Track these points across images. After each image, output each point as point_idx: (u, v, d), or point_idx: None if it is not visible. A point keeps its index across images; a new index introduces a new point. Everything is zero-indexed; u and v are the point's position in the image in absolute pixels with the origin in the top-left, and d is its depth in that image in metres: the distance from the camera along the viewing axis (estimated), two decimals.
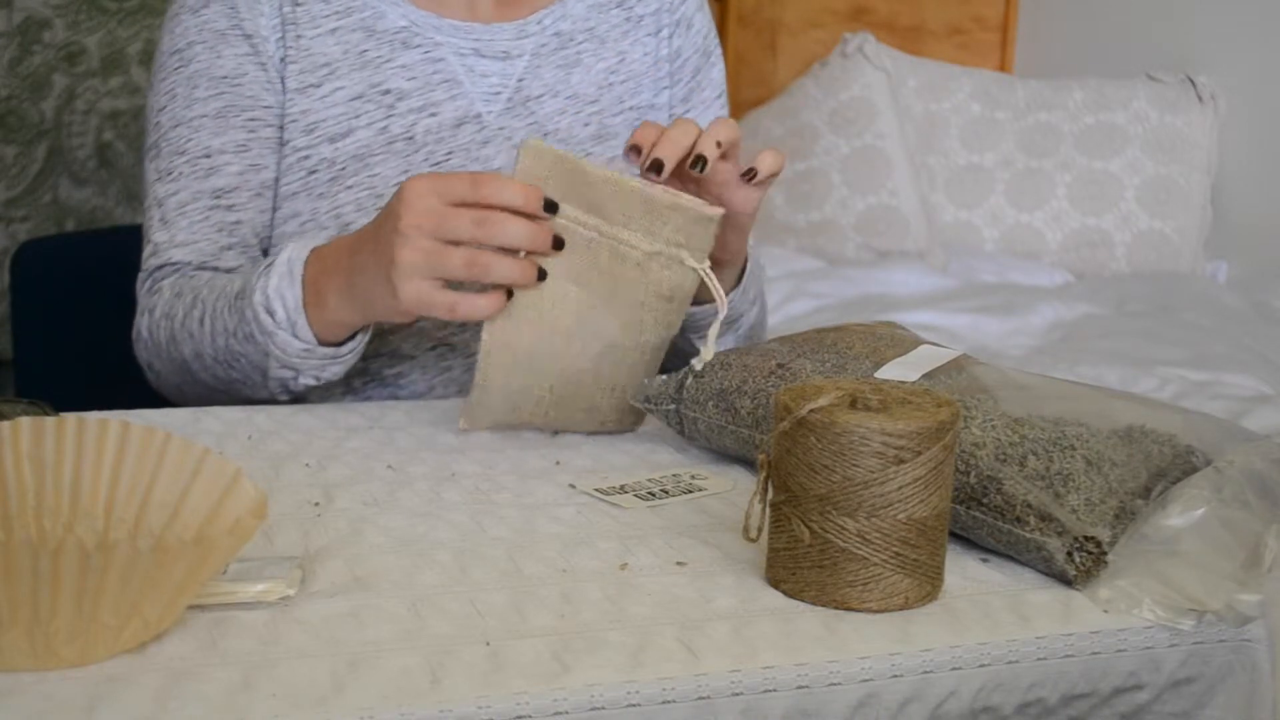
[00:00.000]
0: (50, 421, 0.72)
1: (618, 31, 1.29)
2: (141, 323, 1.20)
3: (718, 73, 1.35)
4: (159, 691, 0.62)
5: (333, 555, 0.79)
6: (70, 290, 1.53)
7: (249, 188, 1.20)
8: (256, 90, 1.19)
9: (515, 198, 0.95)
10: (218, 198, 1.19)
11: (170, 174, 1.20)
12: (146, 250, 1.21)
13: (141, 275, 1.21)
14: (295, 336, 1.05)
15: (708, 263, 0.99)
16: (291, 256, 1.06)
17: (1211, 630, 0.77)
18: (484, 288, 0.98)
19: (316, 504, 0.88)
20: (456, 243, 0.95)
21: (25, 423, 0.72)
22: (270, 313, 1.05)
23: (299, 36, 1.19)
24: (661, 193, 0.97)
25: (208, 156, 1.19)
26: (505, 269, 0.96)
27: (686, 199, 0.97)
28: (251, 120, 1.19)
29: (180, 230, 1.19)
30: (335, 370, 1.09)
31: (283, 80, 1.19)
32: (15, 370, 1.52)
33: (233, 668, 0.65)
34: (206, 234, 1.19)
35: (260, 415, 1.08)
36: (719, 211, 0.98)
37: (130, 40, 2.75)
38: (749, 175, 1.03)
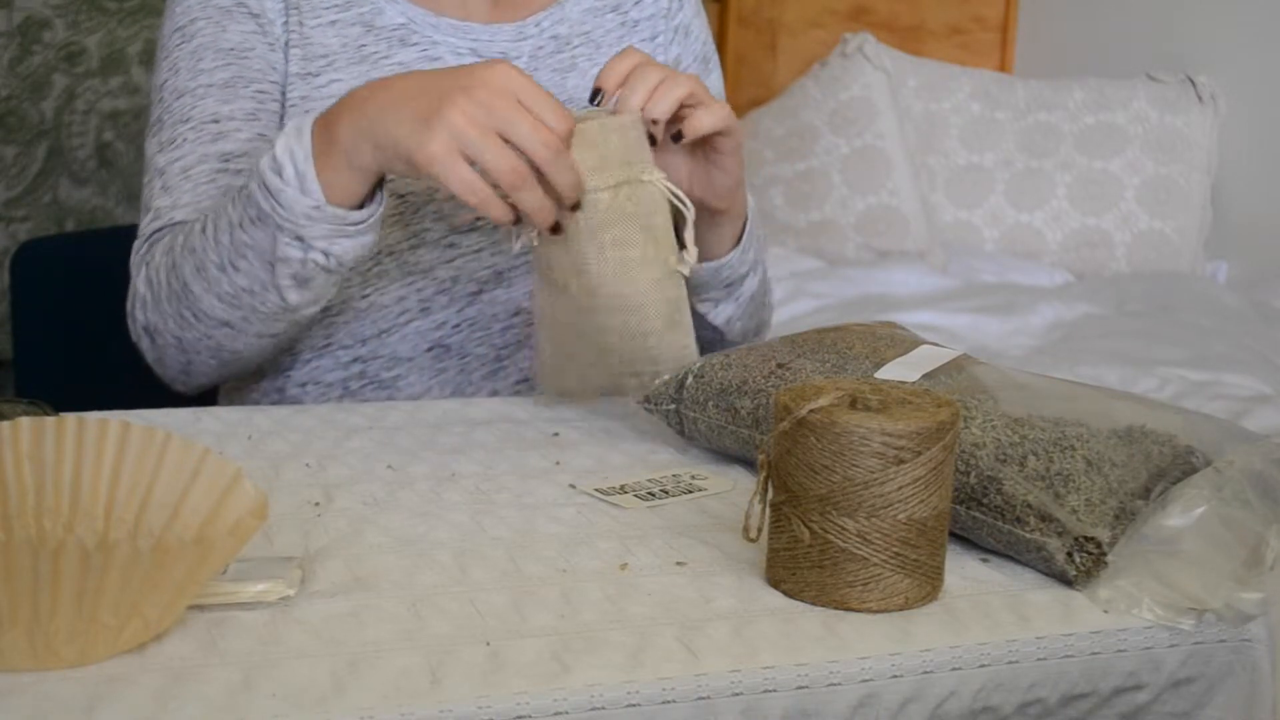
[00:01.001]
0: (50, 421, 0.72)
1: (613, 36, 1.29)
2: (138, 281, 1.15)
3: (716, 79, 1.35)
4: (159, 691, 0.62)
5: (333, 555, 0.79)
6: (70, 290, 1.53)
7: (257, 155, 1.15)
8: (264, 65, 1.17)
9: (564, 125, 0.96)
10: (225, 161, 1.16)
11: (174, 142, 1.17)
12: (146, 219, 1.17)
13: (137, 243, 1.17)
14: (303, 193, 1.00)
15: (660, 173, 1.01)
16: (299, 122, 1.03)
17: (1211, 630, 0.77)
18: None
19: (316, 504, 0.88)
20: (505, 139, 0.94)
21: (25, 423, 0.72)
22: (278, 171, 1.00)
23: (301, 23, 1.18)
24: (584, 123, 1.00)
25: (215, 122, 1.16)
26: (534, 198, 0.96)
27: (602, 116, 1.01)
28: (260, 92, 1.17)
29: (184, 193, 1.15)
30: (345, 246, 1.03)
31: (286, 62, 1.18)
32: (15, 370, 1.52)
33: (233, 668, 0.65)
34: (212, 195, 1.15)
35: (260, 415, 1.08)
36: (632, 115, 1.00)
37: (130, 40, 2.75)
38: (676, 137, 1.04)
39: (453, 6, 1.23)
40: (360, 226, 1.03)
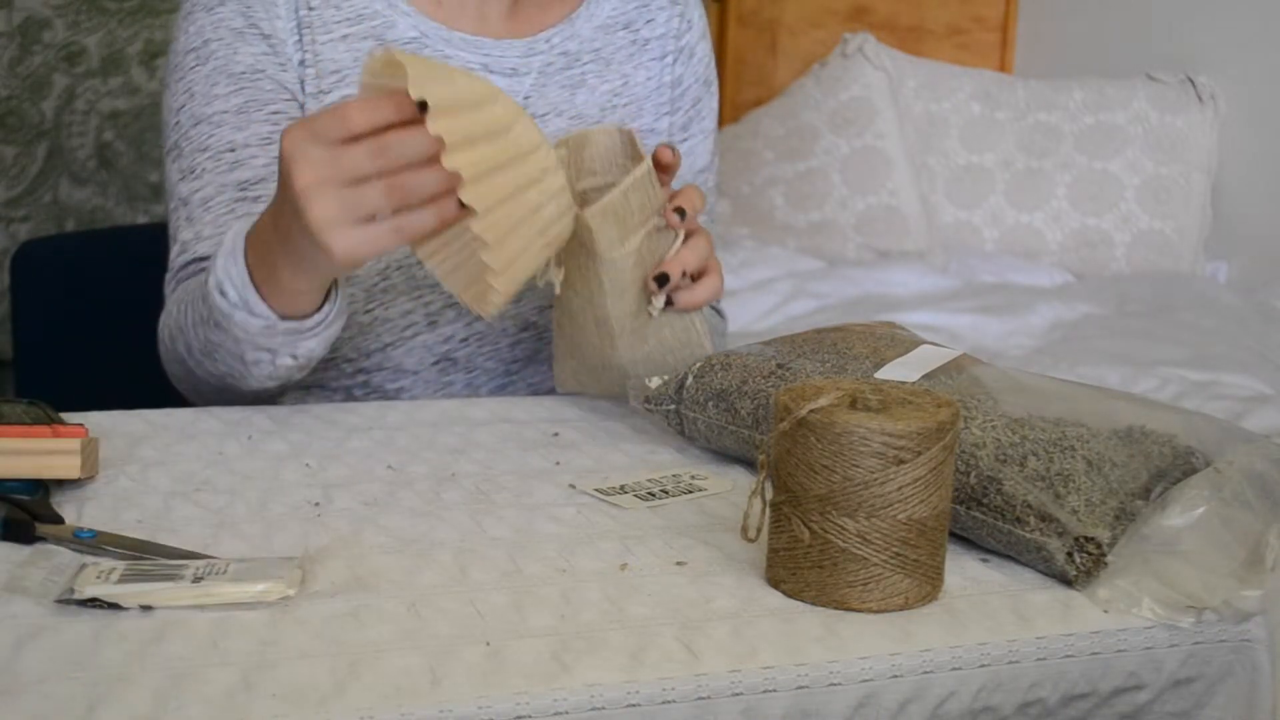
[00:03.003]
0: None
1: (623, 54, 1.29)
2: (161, 326, 1.18)
3: (715, 103, 1.36)
4: (159, 691, 0.62)
5: (333, 555, 0.79)
6: (70, 290, 1.53)
7: (275, 179, 1.15)
8: (276, 86, 1.17)
9: (385, 114, 0.89)
10: (243, 190, 1.16)
11: (193, 172, 1.17)
12: (174, 250, 1.19)
13: (168, 276, 1.19)
14: (251, 314, 1.00)
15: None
16: (235, 232, 1.01)
17: (1211, 630, 0.77)
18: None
19: (316, 504, 0.88)
20: (362, 179, 0.90)
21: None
22: (223, 294, 1.01)
23: (314, 40, 1.18)
24: (608, 197, 1.00)
25: (232, 150, 1.17)
26: (426, 180, 0.90)
27: (620, 175, 1.03)
28: (274, 114, 1.17)
29: (206, 225, 1.16)
30: (310, 346, 1.04)
31: (302, 83, 1.18)
32: (15, 370, 1.52)
33: (233, 668, 0.65)
34: (232, 226, 1.14)
35: (260, 415, 1.08)
36: (644, 165, 1.00)
37: (130, 40, 2.75)
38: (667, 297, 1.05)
39: (468, 21, 1.23)
40: (319, 327, 1.03)
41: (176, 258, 1.18)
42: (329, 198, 0.90)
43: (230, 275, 1.00)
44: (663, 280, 1.03)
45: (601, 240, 1.00)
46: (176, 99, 1.19)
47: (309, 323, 1.03)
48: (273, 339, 1.02)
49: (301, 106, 1.18)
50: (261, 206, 1.15)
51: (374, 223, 0.91)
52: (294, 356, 1.05)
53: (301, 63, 1.18)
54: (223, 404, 1.15)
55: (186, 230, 1.17)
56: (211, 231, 1.16)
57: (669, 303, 1.04)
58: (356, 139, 0.89)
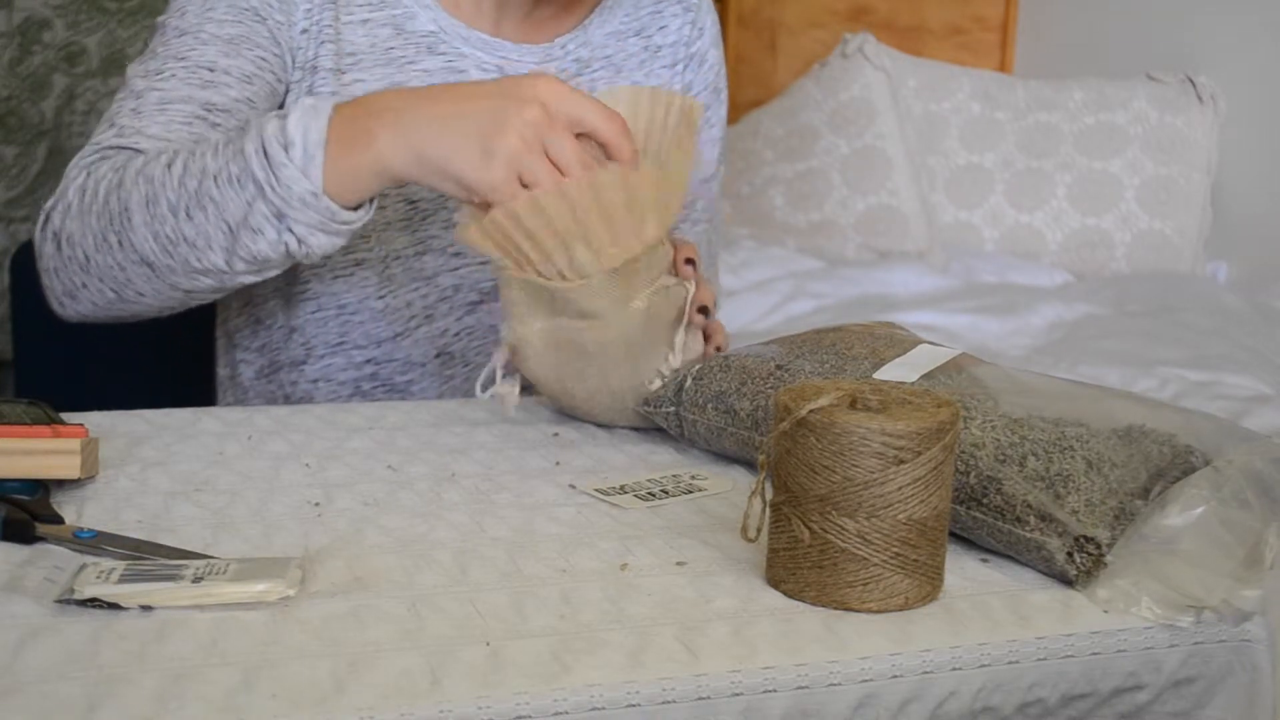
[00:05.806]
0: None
1: (634, 61, 1.28)
2: (69, 186, 1.06)
3: (724, 111, 1.35)
4: (159, 691, 0.62)
5: (333, 555, 0.79)
6: None
7: (240, 116, 1.11)
8: (271, 39, 1.15)
9: (625, 152, 0.95)
10: (208, 110, 1.10)
11: (160, 73, 1.11)
12: (106, 131, 1.09)
13: (85, 150, 1.09)
14: (305, 176, 0.95)
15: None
16: (317, 102, 0.97)
17: (1211, 630, 0.77)
18: None
19: (316, 504, 0.88)
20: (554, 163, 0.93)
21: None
22: (285, 145, 0.95)
23: (337, 17, 1.18)
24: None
25: (210, 70, 1.11)
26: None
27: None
28: (261, 59, 1.15)
29: (155, 124, 1.08)
30: (322, 241, 0.99)
31: (293, 51, 1.16)
32: (15, 370, 1.52)
33: (233, 668, 0.65)
34: (183, 138, 1.07)
35: (260, 415, 1.08)
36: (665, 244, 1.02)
37: (130, 40, 2.75)
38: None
39: (485, 21, 1.23)
40: (344, 227, 0.99)
41: (106, 137, 1.09)
42: (528, 141, 0.92)
43: (307, 131, 0.95)
44: (705, 312, 1.07)
45: (611, 303, 0.99)
46: (167, 18, 1.16)
47: (343, 214, 0.98)
48: (304, 211, 0.96)
49: (286, 69, 1.16)
50: (218, 136, 1.06)
51: (520, 189, 0.93)
52: (300, 241, 0.98)
53: (310, 32, 1.17)
54: (109, 296, 1.07)
55: (130, 119, 1.09)
56: (159, 133, 1.08)
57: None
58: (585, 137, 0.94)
